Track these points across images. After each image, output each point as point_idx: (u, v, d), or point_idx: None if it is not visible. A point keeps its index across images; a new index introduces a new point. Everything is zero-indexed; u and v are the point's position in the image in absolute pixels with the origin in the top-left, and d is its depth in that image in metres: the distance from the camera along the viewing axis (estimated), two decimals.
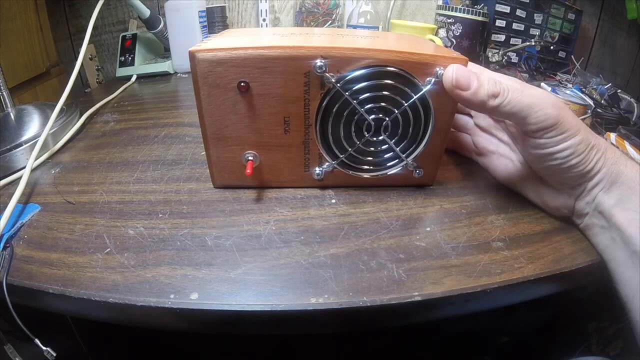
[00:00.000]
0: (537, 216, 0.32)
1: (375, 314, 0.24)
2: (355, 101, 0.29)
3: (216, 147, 0.31)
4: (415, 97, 0.30)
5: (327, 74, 0.28)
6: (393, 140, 0.32)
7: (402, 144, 0.32)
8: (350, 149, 0.32)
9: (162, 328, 0.26)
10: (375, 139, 0.32)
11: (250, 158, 0.32)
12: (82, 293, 0.24)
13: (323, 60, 0.28)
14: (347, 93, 0.29)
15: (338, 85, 0.29)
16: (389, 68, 0.29)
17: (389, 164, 0.33)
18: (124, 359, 0.54)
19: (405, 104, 0.30)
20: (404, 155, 0.32)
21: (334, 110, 0.30)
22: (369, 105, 0.30)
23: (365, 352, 0.54)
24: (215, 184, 0.34)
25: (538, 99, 0.27)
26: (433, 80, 0.29)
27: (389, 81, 0.29)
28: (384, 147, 0.32)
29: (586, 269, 0.27)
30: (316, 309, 0.23)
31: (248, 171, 0.31)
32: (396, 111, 0.30)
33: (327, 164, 0.33)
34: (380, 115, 0.30)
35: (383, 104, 0.30)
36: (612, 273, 0.27)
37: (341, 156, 0.32)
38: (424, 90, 0.29)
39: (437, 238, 0.29)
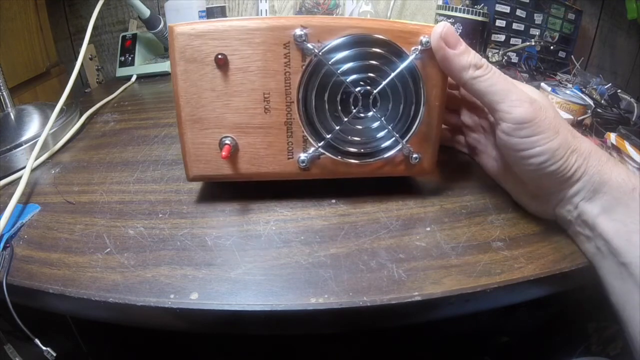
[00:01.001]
0: (537, 216, 0.32)
1: (375, 314, 0.24)
2: (338, 71, 0.28)
3: (191, 131, 0.29)
4: (402, 66, 0.28)
5: (307, 44, 0.27)
6: (383, 117, 0.30)
7: (394, 124, 0.30)
8: (337, 128, 0.29)
9: (162, 328, 0.26)
10: (363, 115, 0.30)
11: (227, 142, 0.29)
12: (82, 293, 0.24)
13: (303, 30, 0.27)
14: (329, 63, 0.28)
15: (320, 54, 0.28)
16: (372, 35, 0.28)
17: (382, 146, 0.31)
18: (124, 359, 0.54)
19: (393, 74, 0.28)
20: (398, 135, 0.30)
21: (317, 83, 0.28)
22: (354, 76, 0.28)
23: (365, 352, 0.54)
24: (189, 176, 0.31)
25: (518, 90, 0.26)
26: (419, 48, 0.28)
27: (373, 49, 0.28)
28: (375, 125, 0.30)
29: (586, 269, 0.27)
30: (316, 309, 0.23)
31: (223, 154, 0.28)
32: (383, 82, 0.29)
33: (312, 148, 0.30)
34: (368, 88, 0.29)
35: (369, 74, 0.29)
36: (602, 281, 0.26)
37: (327, 136, 0.30)
38: (411, 58, 0.28)
39: (437, 238, 0.29)
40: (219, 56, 0.27)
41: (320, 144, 0.30)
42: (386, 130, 0.30)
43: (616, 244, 0.25)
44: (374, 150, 0.31)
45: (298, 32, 0.27)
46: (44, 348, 0.27)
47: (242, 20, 0.27)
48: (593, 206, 0.26)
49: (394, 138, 0.31)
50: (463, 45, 0.27)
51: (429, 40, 0.28)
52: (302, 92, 0.29)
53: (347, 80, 0.28)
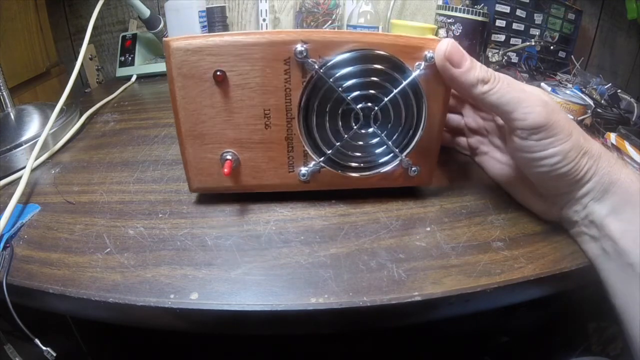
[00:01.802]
0: (537, 216, 0.31)
1: (375, 314, 0.24)
2: (340, 88, 0.28)
3: (192, 146, 0.29)
4: (404, 82, 0.28)
5: (308, 60, 0.27)
6: (384, 133, 0.30)
7: (394, 138, 0.30)
8: (337, 144, 0.30)
9: (162, 328, 0.26)
10: (364, 131, 0.30)
11: (229, 157, 0.29)
12: (82, 293, 0.24)
13: (304, 45, 0.26)
14: (331, 79, 0.27)
15: (321, 70, 0.27)
16: (375, 51, 0.27)
17: (381, 161, 0.31)
18: (124, 359, 0.54)
19: (395, 91, 0.28)
20: (397, 150, 0.30)
21: (318, 99, 0.28)
22: (355, 93, 0.28)
23: (365, 352, 0.54)
24: (191, 188, 0.31)
25: (529, 95, 0.26)
26: (423, 64, 0.27)
27: (376, 66, 0.28)
28: (375, 140, 0.30)
29: (586, 269, 0.27)
30: (316, 309, 0.23)
31: (225, 170, 0.28)
32: (385, 99, 0.28)
33: (313, 162, 0.30)
34: (369, 104, 0.29)
35: (371, 91, 0.28)
36: (604, 283, 0.26)
37: (328, 152, 0.30)
38: (414, 74, 0.28)
39: (437, 238, 0.29)
40: (218, 73, 0.27)
41: (320, 159, 0.30)
42: (386, 145, 0.30)
43: (623, 244, 0.25)
44: (373, 164, 0.31)
45: (299, 47, 0.26)
46: (44, 348, 0.27)
47: (240, 35, 0.26)
48: (602, 206, 0.26)
49: (393, 152, 0.31)
50: (468, 61, 0.27)
51: (433, 55, 0.27)
52: (303, 109, 0.29)
53: (349, 97, 0.28)
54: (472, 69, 0.26)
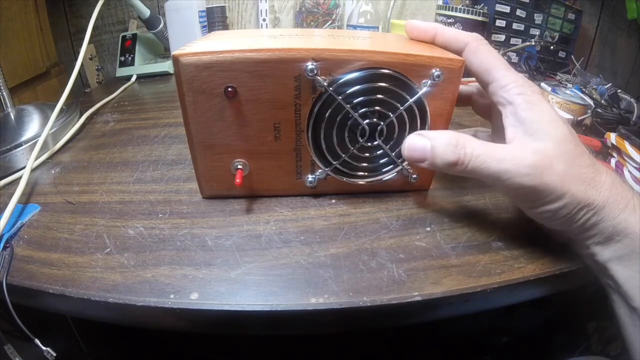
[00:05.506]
0: None
1: (375, 314, 0.24)
2: (348, 105, 0.28)
3: (203, 156, 0.30)
4: (410, 100, 0.29)
5: (318, 78, 0.27)
6: (388, 145, 0.31)
7: (398, 149, 0.31)
8: (344, 155, 0.31)
9: (162, 328, 0.26)
10: (369, 144, 0.30)
11: (240, 166, 0.30)
12: (82, 293, 0.24)
13: (314, 63, 0.26)
14: (340, 97, 0.28)
15: (330, 89, 0.28)
16: (383, 70, 0.28)
17: (383, 170, 0.32)
18: (124, 359, 0.54)
19: (401, 108, 0.29)
20: (399, 161, 0.32)
21: (327, 115, 0.29)
22: (363, 110, 0.29)
23: (365, 352, 0.54)
24: (203, 194, 0.33)
25: (511, 163, 0.24)
26: (429, 82, 0.28)
27: (383, 84, 0.28)
28: (379, 152, 0.31)
29: (586, 269, 0.27)
30: (316, 309, 0.23)
31: (237, 180, 0.29)
32: (391, 115, 0.29)
33: (319, 171, 0.31)
34: (375, 120, 0.29)
35: (378, 107, 0.29)
36: (610, 310, 0.26)
37: (334, 163, 0.31)
38: (420, 93, 0.28)
39: (437, 238, 0.29)
40: (229, 89, 0.27)
41: (327, 169, 0.31)
42: (389, 156, 0.31)
43: (627, 288, 0.24)
44: (376, 172, 0.32)
45: (310, 66, 0.26)
46: (44, 348, 0.27)
47: (251, 51, 0.26)
48: (606, 251, 0.25)
49: (395, 163, 0.32)
50: (428, 152, 0.26)
51: (440, 74, 0.28)
52: (312, 123, 0.29)
53: (357, 113, 0.29)
54: (435, 157, 0.26)
